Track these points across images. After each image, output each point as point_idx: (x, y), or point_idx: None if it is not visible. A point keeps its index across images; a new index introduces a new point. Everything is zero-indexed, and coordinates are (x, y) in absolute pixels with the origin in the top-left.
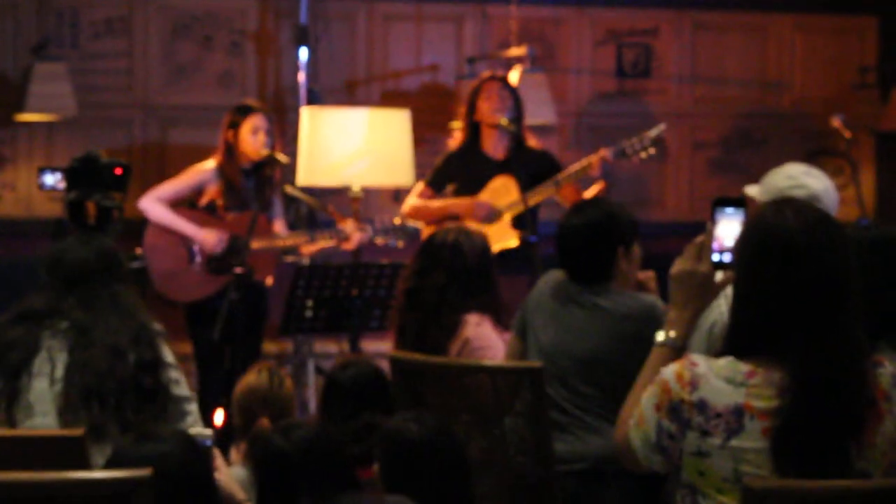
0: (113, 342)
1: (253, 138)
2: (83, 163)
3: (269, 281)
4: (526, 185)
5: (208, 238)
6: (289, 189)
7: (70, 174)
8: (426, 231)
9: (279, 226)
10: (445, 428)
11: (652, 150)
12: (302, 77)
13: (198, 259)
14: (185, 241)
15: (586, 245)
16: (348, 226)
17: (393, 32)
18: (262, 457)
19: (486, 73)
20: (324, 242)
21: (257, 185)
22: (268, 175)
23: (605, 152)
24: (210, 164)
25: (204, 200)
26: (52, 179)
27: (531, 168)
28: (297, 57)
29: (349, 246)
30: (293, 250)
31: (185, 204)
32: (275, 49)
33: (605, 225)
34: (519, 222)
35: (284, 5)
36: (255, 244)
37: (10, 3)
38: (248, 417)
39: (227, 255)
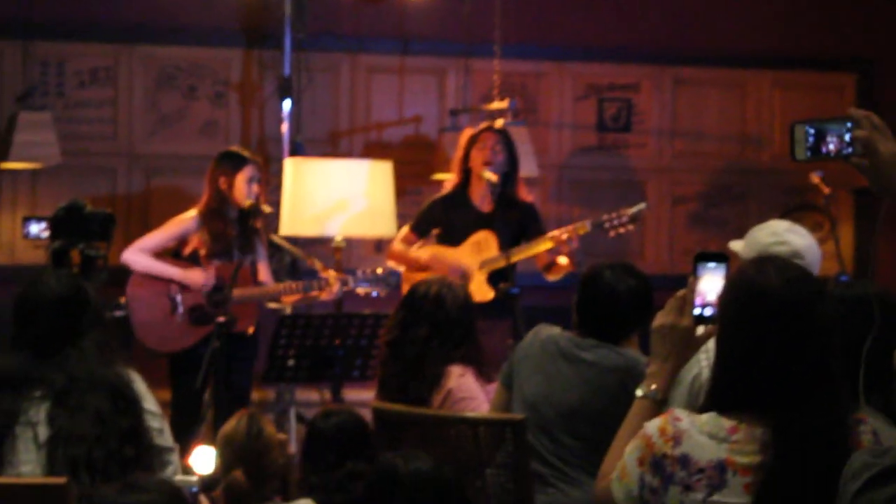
0: (95, 407)
1: (247, 188)
2: (68, 212)
3: (251, 330)
4: (507, 241)
5: (195, 278)
6: (274, 238)
7: (55, 223)
8: (407, 275)
9: (264, 272)
10: (434, 463)
11: (630, 227)
12: (285, 128)
13: (180, 310)
14: (168, 291)
15: (627, 308)
16: (331, 276)
17: (376, 84)
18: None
19: (485, 124)
20: (307, 293)
21: (241, 234)
22: (252, 224)
23: (583, 226)
24: (191, 213)
25: (187, 250)
26: (36, 228)
27: (513, 223)
28: (280, 108)
29: (327, 296)
30: (276, 298)
31: (169, 254)
32: (258, 100)
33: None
34: (498, 276)
35: (268, 57)
36: (237, 293)
37: None
38: (225, 466)
39: (209, 305)
